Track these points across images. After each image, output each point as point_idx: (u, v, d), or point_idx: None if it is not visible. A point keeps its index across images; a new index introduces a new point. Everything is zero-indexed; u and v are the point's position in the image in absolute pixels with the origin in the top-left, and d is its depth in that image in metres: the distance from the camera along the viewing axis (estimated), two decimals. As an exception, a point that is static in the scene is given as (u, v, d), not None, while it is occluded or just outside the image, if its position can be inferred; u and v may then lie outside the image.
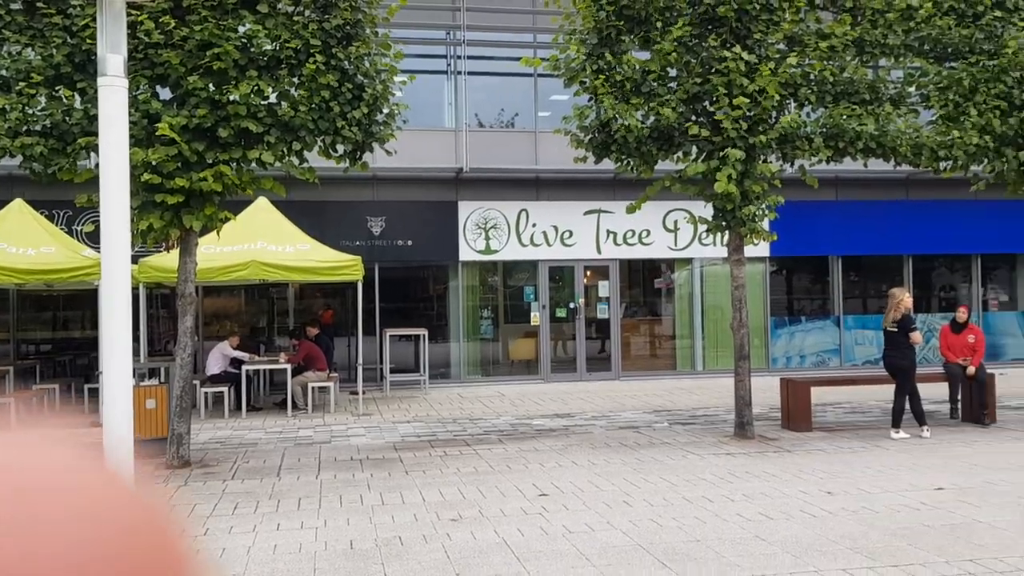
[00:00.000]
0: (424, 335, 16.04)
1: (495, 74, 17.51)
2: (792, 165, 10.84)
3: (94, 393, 11.87)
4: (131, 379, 5.93)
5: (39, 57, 8.79)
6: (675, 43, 9.97)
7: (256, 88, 8.96)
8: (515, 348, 17.50)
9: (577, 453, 9.57)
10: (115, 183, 5.95)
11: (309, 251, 12.92)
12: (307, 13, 9.35)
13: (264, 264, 12.03)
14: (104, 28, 6.07)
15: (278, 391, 14.93)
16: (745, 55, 9.87)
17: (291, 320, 16.84)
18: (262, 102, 9.04)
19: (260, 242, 12.68)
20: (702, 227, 10.63)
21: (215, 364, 13.39)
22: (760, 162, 10.44)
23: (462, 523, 6.66)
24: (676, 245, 17.57)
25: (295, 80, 9.30)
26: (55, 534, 0.40)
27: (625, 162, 10.69)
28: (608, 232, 17.38)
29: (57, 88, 8.81)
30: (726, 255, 11.02)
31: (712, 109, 10.31)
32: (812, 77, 10.39)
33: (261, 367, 13.54)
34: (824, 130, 10.45)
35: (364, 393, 14.15)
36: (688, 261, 17.81)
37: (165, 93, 9.24)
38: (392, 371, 16.04)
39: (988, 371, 11.42)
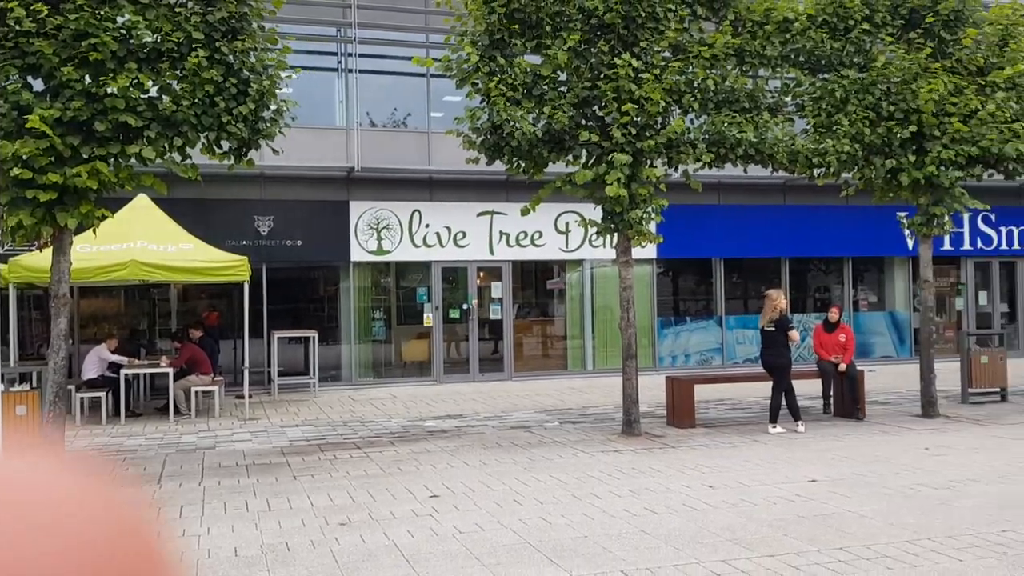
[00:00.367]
0: (314, 337, 15.76)
1: (387, 73, 17.38)
2: (677, 170, 11.18)
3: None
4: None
5: None
6: (567, 50, 10.13)
7: (136, 81, 8.61)
8: (408, 349, 17.41)
9: (469, 454, 9.60)
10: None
11: (192, 251, 12.51)
12: (190, 5, 9.05)
13: (144, 264, 11.58)
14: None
15: (160, 396, 14.38)
16: (633, 62, 10.13)
17: (174, 322, 16.27)
18: (142, 96, 8.69)
19: (140, 241, 12.20)
20: (592, 229, 10.82)
21: (91, 368, 12.80)
22: (646, 166, 10.72)
23: (351, 527, 6.59)
24: (567, 247, 17.84)
25: (177, 74, 8.99)
26: (27, 545, 0.39)
27: (517, 164, 10.79)
28: (501, 233, 17.49)
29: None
30: (615, 257, 11.27)
31: (601, 114, 10.53)
32: (695, 85, 10.73)
33: (141, 371, 13.01)
34: (707, 136, 10.82)
35: (251, 397, 13.80)
36: (579, 263, 18.12)
37: (38, 84, 8.77)
38: (281, 374, 15.69)
39: (858, 368, 12.06)
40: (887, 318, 20.20)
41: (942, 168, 11.55)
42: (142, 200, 13.07)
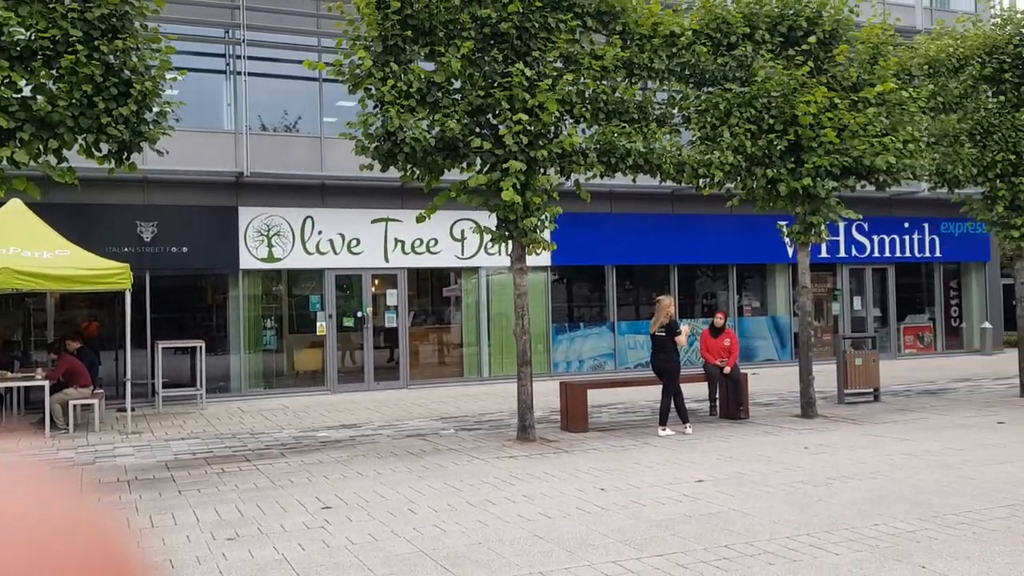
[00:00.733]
0: (201, 347, 15.26)
1: (278, 76, 17.02)
2: (569, 179, 11.36)
3: None
4: None
5: None
6: (461, 58, 10.16)
7: (7, 80, 8.19)
8: (300, 359, 17.07)
9: (363, 464, 9.49)
10: None
11: (70, 258, 11.93)
12: (67, 2, 8.67)
13: (18, 272, 10.97)
14: None
15: (35, 410, 13.65)
16: (527, 71, 10.25)
17: (50, 333, 15.47)
18: (14, 95, 8.27)
19: (13, 247, 11.56)
20: (487, 237, 10.88)
21: (-43, 383, 12.04)
22: (540, 175, 10.86)
23: (239, 541, 6.41)
24: (463, 254, 17.87)
25: (53, 73, 8.59)
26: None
27: (411, 171, 10.74)
28: (396, 241, 17.38)
29: None
30: (510, 264, 11.36)
31: (495, 122, 10.61)
32: (587, 95, 10.95)
33: (15, 384, 12.32)
34: (598, 146, 11.04)
35: (134, 410, 13.25)
36: (475, 270, 18.17)
37: None
38: (165, 386, 15.13)
39: (742, 371, 12.52)
40: (769, 323, 21.04)
41: (818, 179, 12.12)
42: (15, 205, 12.39)
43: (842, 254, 21.33)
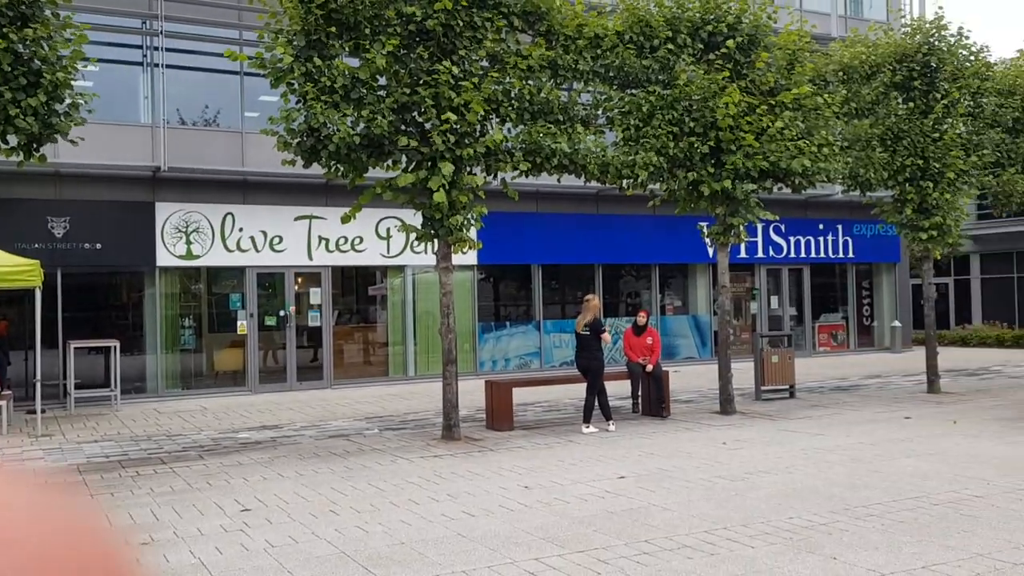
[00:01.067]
0: (116, 347, 14.78)
1: (198, 69, 16.60)
2: (496, 177, 11.38)
3: None
4: None
5: None
6: (387, 56, 10.07)
7: (-96, 66, 7.81)
8: (220, 359, 16.70)
9: (284, 465, 9.34)
10: None
11: (-26, 254, 11.43)
12: (-29, -14, 8.30)
13: (-85, 268, 10.47)
14: None
15: (-65, 414, 13.03)
16: (453, 69, 10.22)
17: (-48, 332, 14.78)
18: (-88, 83, 7.89)
19: (-89, 243, 11.02)
20: (413, 235, 10.82)
21: None
22: (466, 173, 10.85)
23: (154, 546, 6.24)
24: (389, 252, 17.74)
25: (-45, 60, 8.21)
26: None
27: (335, 168, 10.61)
28: (320, 238, 17.15)
29: None
30: (436, 263, 11.32)
31: (421, 120, 10.55)
32: (512, 95, 10.98)
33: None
34: (524, 146, 11.09)
35: (44, 412, 12.77)
36: (401, 268, 18.06)
37: None
38: (78, 387, 14.61)
39: (664, 369, 12.74)
40: (691, 321, 21.47)
41: (737, 181, 12.41)
42: (-87, 198, 11.81)
43: (760, 255, 21.90)
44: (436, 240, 10.93)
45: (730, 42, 12.26)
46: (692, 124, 12.13)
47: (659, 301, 20.87)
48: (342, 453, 9.98)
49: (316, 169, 11.04)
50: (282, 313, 16.95)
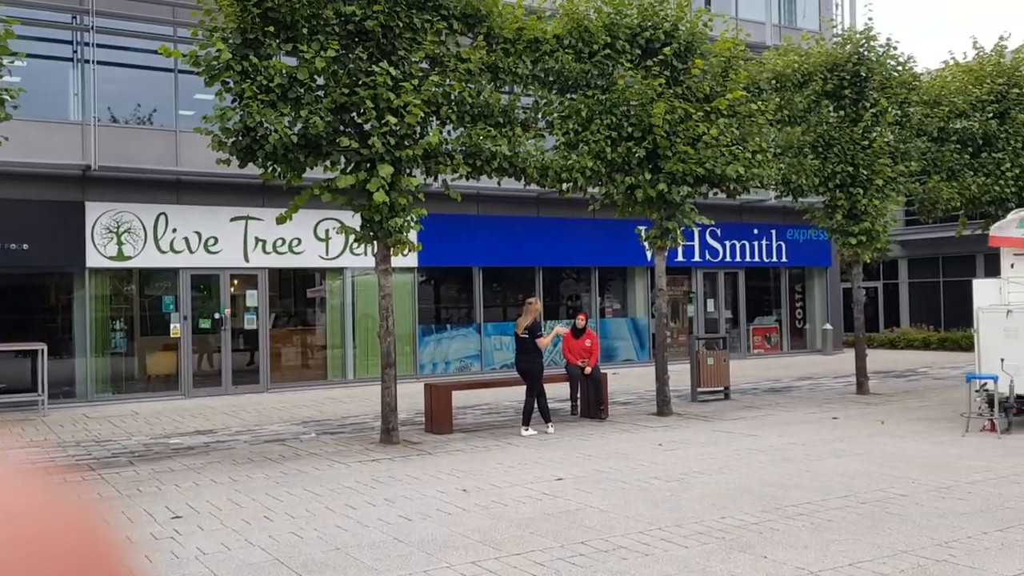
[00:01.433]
0: (43, 350, 14.33)
1: (130, 66, 16.21)
2: (436, 179, 11.35)
3: None
4: None
5: None
6: (326, 59, 9.94)
7: None
8: (153, 362, 16.32)
9: (217, 471, 9.17)
10: None
11: None
12: None
13: None
14: None
15: None
16: (392, 71, 10.16)
17: None
18: None
19: None
20: (351, 237, 10.73)
21: None
22: (406, 175, 10.80)
23: (80, 556, 6.06)
24: (328, 254, 17.55)
25: None
26: None
27: (272, 169, 10.45)
28: (257, 240, 16.88)
29: None
30: (375, 265, 11.24)
31: (360, 121, 10.46)
32: (452, 97, 10.97)
33: None
34: (464, 148, 11.08)
35: (-35, 418, 12.32)
36: (340, 271, 17.88)
37: None
38: (3, 392, 14.12)
39: (603, 371, 12.85)
40: (629, 324, 21.70)
41: (673, 186, 12.59)
42: None
43: (697, 258, 22.24)
44: (375, 242, 10.86)
45: (667, 49, 12.45)
46: (630, 129, 12.27)
47: (598, 304, 21.05)
48: (278, 458, 9.84)
49: (252, 169, 10.86)
50: (217, 316, 16.64)
